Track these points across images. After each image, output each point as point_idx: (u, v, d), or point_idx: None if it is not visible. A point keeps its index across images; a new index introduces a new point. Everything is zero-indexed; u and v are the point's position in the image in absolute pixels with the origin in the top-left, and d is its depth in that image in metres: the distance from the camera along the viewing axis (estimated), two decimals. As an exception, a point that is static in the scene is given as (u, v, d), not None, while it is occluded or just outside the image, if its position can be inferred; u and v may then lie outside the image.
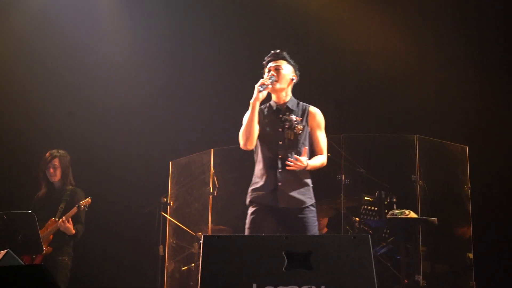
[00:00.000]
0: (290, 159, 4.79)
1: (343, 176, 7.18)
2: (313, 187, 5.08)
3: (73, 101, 8.82)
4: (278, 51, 5.13)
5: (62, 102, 8.81)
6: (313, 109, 5.09)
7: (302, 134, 4.95)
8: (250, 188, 5.09)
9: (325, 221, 7.84)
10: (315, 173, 7.76)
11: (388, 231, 7.21)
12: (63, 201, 6.73)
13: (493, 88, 7.90)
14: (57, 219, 6.56)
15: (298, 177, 4.93)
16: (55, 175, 6.88)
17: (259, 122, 5.03)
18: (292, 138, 4.91)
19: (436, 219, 6.61)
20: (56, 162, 6.89)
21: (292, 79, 5.09)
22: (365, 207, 7.38)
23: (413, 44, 8.26)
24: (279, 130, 4.95)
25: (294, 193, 4.91)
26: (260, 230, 4.85)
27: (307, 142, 5.00)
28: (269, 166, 4.95)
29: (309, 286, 3.02)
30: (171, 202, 7.95)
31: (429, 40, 8.25)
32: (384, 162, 7.68)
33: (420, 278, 6.77)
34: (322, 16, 8.44)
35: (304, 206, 4.91)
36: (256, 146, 5.06)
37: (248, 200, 5.07)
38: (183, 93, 8.85)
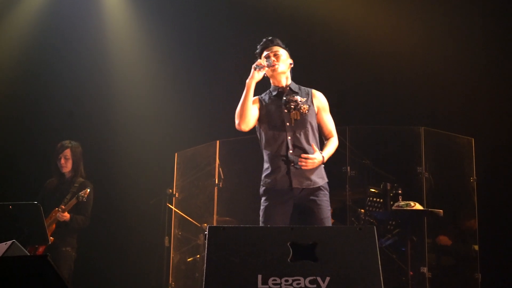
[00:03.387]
0: (301, 158, 4.82)
1: (348, 168, 7.18)
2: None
3: (79, 93, 8.83)
4: (270, 38, 5.15)
5: (68, 94, 8.83)
6: (316, 92, 5.13)
7: (309, 114, 4.95)
8: (263, 176, 5.06)
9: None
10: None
11: (394, 223, 7.20)
12: (70, 193, 6.76)
13: (500, 80, 7.87)
14: (60, 209, 6.58)
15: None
16: (66, 166, 6.91)
17: (263, 109, 5.06)
18: (298, 118, 4.90)
19: (441, 211, 6.61)
20: (67, 153, 6.92)
21: (291, 64, 5.12)
22: (371, 199, 7.36)
23: (419, 35, 8.22)
24: (285, 112, 4.95)
25: (306, 173, 4.89)
26: (273, 222, 4.83)
27: (314, 122, 5.00)
28: (280, 149, 4.95)
29: (314, 278, 3.02)
30: (177, 194, 7.96)
31: (436, 31, 8.21)
32: (389, 154, 7.66)
33: (425, 270, 6.77)
34: (328, 6, 8.41)
35: (315, 186, 4.91)
36: (263, 133, 5.06)
37: (261, 189, 5.05)
38: (189, 84, 8.84)
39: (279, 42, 5.14)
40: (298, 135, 4.92)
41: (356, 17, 8.37)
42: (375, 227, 3.23)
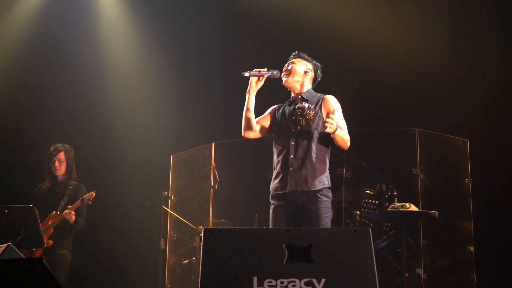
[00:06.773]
0: (327, 119, 4.82)
1: (343, 169, 7.17)
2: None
3: (74, 96, 8.81)
4: (295, 52, 5.31)
5: (63, 98, 8.82)
6: (327, 97, 5.16)
7: (314, 120, 4.98)
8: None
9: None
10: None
11: (389, 224, 7.21)
12: (66, 196, 6.74)
13: (494, 81, 7.88)
14: (58, 212, 6.57)
15: (310, 162, 4.93)
16: (60, 169, 6.88)
17: (275, 118, 5.21)
18: (304, 124, 4.94)
19: (437, 212, 6.62)
20: (61, 156, 6.89)
21: (306, 72, 5.20)
22: (366, 200, 7.37)
23: (414, 37, 8.23)
24: (293, 118, 4.99)
25: (303, 176, 4.91)
26: (277, 225, 4.90)
27: (320, 127, 4.99)
28: (283, 153, 5.02)
29: (310, 279, 3.02)
30: (172, 196, 7.96)
31: (430, 33, 8.23)
32: (385, 156, 7.67)
33: (421, 271, 6.78)
34: (323, 9, 8.41)
35: (312, 189, 4.89)
36: (274, 141, 5.17)
37: (270, 195, 5.11)
38: (184, 87, 8.84)
39: (302, 54, 5.30)
40: (301, 140, 4.97)
41: (352, 19, 8.38)
42: (370, 228, 3.24)
